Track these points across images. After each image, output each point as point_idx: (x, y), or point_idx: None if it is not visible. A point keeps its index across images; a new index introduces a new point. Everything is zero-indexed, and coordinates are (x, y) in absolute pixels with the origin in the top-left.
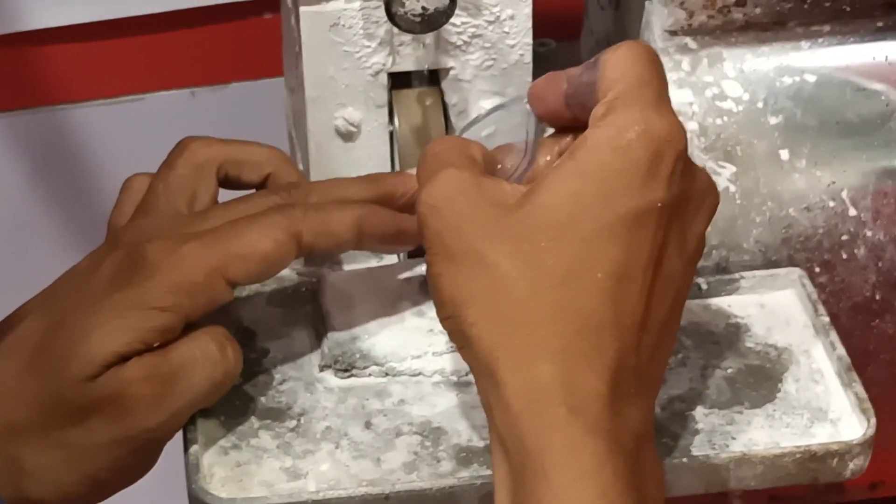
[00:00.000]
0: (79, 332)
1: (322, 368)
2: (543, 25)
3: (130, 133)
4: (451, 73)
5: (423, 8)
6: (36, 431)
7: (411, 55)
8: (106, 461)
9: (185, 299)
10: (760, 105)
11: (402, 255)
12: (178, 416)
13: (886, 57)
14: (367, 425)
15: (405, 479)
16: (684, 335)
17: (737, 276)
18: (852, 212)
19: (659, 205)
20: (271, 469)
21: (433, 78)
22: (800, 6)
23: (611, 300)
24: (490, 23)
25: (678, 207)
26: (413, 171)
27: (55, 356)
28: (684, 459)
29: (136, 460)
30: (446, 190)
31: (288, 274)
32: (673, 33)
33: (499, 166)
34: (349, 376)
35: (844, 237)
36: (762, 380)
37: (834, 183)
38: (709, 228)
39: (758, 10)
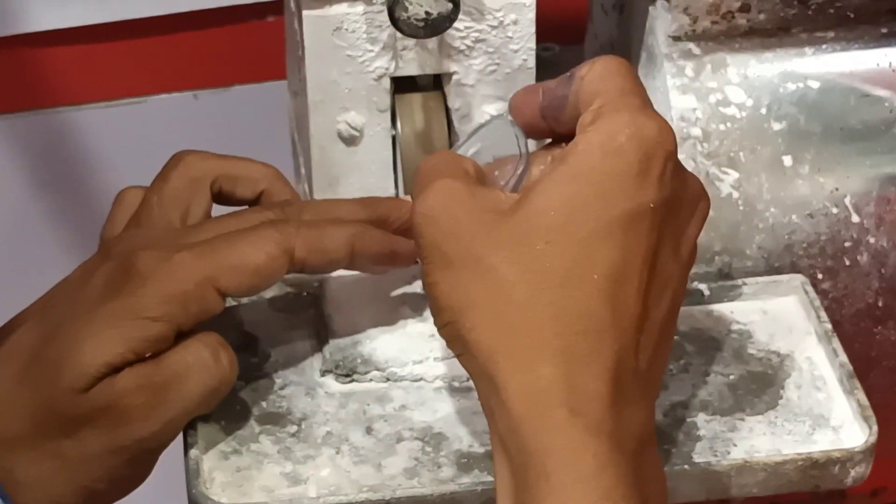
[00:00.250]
0: (71, 343)
1: (323, 373)
2: (547, 30)
3: (133, 136)
4: (455, 77)
5: (427, 13)
6: (29, 443)
7: (414, 60)
8: (100, 472)
9: (177, 309)
10: (764, 111)
11: None
12: (173, 425)
13: (891, 63)
14: (368, 430)
15: (406, 485)
16: (686, 341)
17: (739, 282)
18: (855, 218)
19: (651, 205)
20: (272, 474)
21: (436, 82)
22: (804, 12)
23: (609, 302)
24: (493, 27)
25: (671, 209)
26: (408, 197)
27: (48, 367)
28: (686, 466)
29: (131, 470)
30: (440, 199)
31: (290, 277)
32: (676, 38)
33: (496, 174)
34: (350, 381)
35: (847, 244)
36: (764, 386)
37: (837, 189)
38: (711, 234)
39: (762, 16)
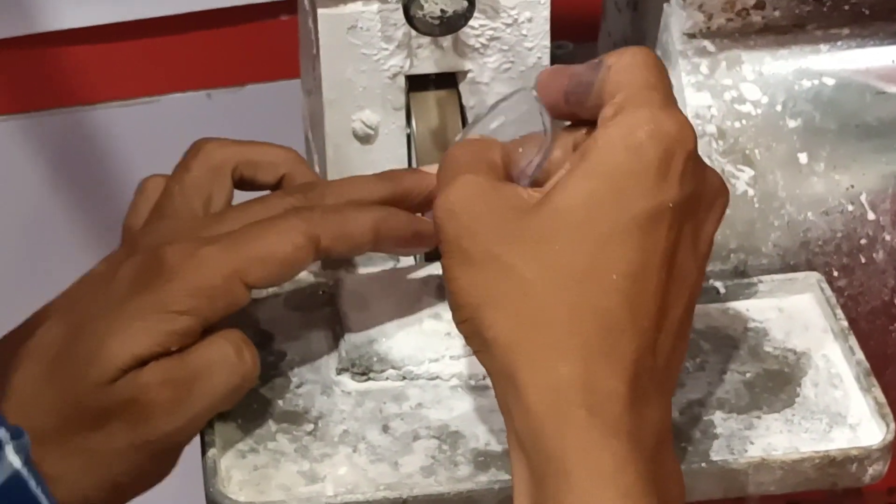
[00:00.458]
0: (98, 337)
1: (339, 371)
2: (561, 28)
3: (147, 134)
4: (469, 75)
5: (442, 11)
6: (56, 437)
7: (429, 58)
8: (125, 466)
9: (204, 303)
10: (779, 108)
11: (418, 256)
12: (197, 420)
13: None
14: (385, 429)
15: (423, 484)
16: (702, 339)
17: (755, 279)
18: (871, 216)
19: (671, 205)
20: (289, 473)
21: (451, 81)
22: (819, 9)
23: (627, 301)
24: (508, 25)
25: (690, 207)
26: (429, 167)
27: (75, 361)
28: (703, 464)
29: (155, 465)
30: (462, 195)
31: (305, 276)
32: (691, 36)
33: (520, 150)
34: (366, 380)
35: (863, 241)
36: (781, 384)
37: (853, 187)
38: (727, 232)
39: (777, 13)
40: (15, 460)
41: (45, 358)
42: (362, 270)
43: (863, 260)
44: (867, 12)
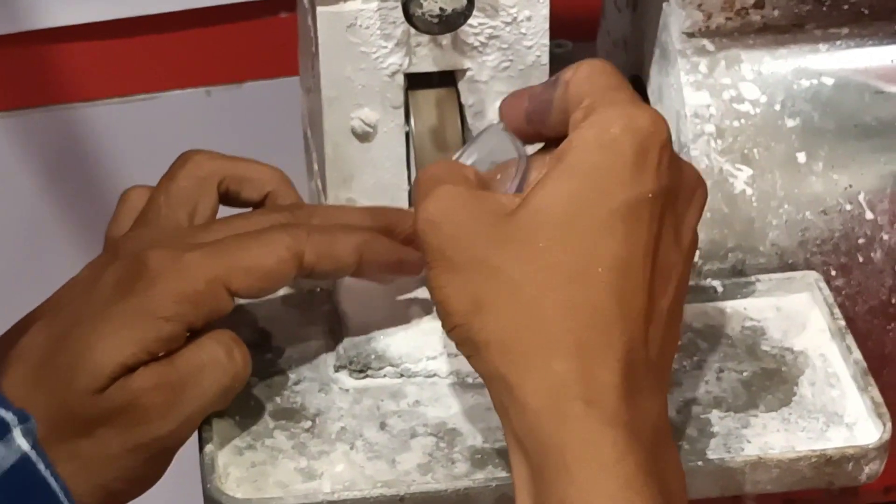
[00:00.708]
0: (84, 344)
1: (337, 369)
2: (560, 27)
3: (145, 131)
4: (468, 74)
5: (441, 9)
6: (46, 444)
7: (428, 56)
8: (118, 471)
9: (188, 308)
10: (778, 108)
11: None
12: (190, 423)
13: None
14: (382, 426)
15: (420, 481)
16: (700, 338)
17: (753, 279)
18: (869, 215)
19: (650, 195)
20: (286, 469)
21: (450, 79)
22: (818, 8)
23: (615, 294)
24: (507, 24)
25: (669, 198)
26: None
27: (62, 369)
28: (700, 462)
29: (148, 469)
30: (442, 204)
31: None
32: (690, 35)
33: (498, 178)
34: (364, 377)
35: (861, 240)
36: (778, 383)
37: (851, 186)
38: (725, 231)
39: (776, 13)
40: (23, 443)
41: (30, 364)
42: None
43: (861, 259)
44: (866, 12)
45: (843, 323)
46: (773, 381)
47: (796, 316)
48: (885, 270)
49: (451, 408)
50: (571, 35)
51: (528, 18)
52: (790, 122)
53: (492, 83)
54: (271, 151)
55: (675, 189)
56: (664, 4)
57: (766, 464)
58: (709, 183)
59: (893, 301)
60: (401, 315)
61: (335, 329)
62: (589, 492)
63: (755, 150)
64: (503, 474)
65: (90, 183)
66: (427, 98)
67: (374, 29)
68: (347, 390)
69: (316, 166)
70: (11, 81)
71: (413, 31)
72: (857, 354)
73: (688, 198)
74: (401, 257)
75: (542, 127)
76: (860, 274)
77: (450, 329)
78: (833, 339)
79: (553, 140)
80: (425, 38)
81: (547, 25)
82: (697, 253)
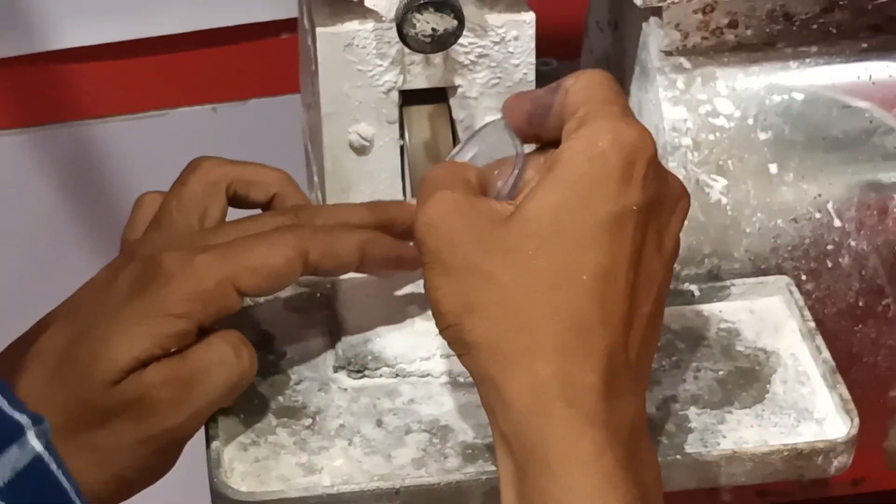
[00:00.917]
0: (101, 340)
1: (336, 369)
2: (545, 46)
3: (155, 146)
4: (459, 90)
5: (433, 29)
6: (64, 435)
7: (421, 74)
8: (131, 461)
9: (199, 306)
10: (751, 122)
11: None
12: (198, 417)
13: (870, 76)
14: (379, 423)
15: (414, 475)
16: (678, 339)
17: (728, 283)
18: (837, 223)
19: (634, 208)
20: (288, 464)
21: (441, 95)
22: (788, 28)
23: (598, 300)
24: (496, 43)
25: (653, 210)
26: (413, 201)
27: (79, 364)
28: (678, 456)
29: (159, 459)
30: (440, 209)
31: (303, 279)
32: (668, 53)
33: (496, 173)
34: (361, 377)
35: (830, 247)
36: (751, 381)
37: (820, 195)
38: (701, 237)
39: (749, 32)
40: (37, 444)
41: (50, 361)
42: (357, 276)
43: (829, 265)
44: (834, 31)
45: (812, 325)
46: (746, 379)
47: (769, 318)
48: (853, 275)
49: (443, 406)
50: (556, 54)
51: (516, 38)
52: (762, 135)
53: (481, 99)
54: (274, 164)
55: (660, 200)
56: (643, 24)
57: (741, 457)
58: None
59: (860, 304)
60: (396, 318)
61: (334, 331)
62: (569, 486)
63: (730, 162)
64: (493, 469)
65: (105, 192)
66: (420, 113)
67: (371, 48)
68: (346, 389)
69: (316, 178)
70: (30, 99)
71: (407, 50)
72: (826, 354)
73: (671, 208)
74: (400, 254)
75: (540, 129)
76: (829, 278)
77: (442, 328)
78: (803, 340)
79: (550, 142)
80: (418, 56)
81: (533, 45)
82: None
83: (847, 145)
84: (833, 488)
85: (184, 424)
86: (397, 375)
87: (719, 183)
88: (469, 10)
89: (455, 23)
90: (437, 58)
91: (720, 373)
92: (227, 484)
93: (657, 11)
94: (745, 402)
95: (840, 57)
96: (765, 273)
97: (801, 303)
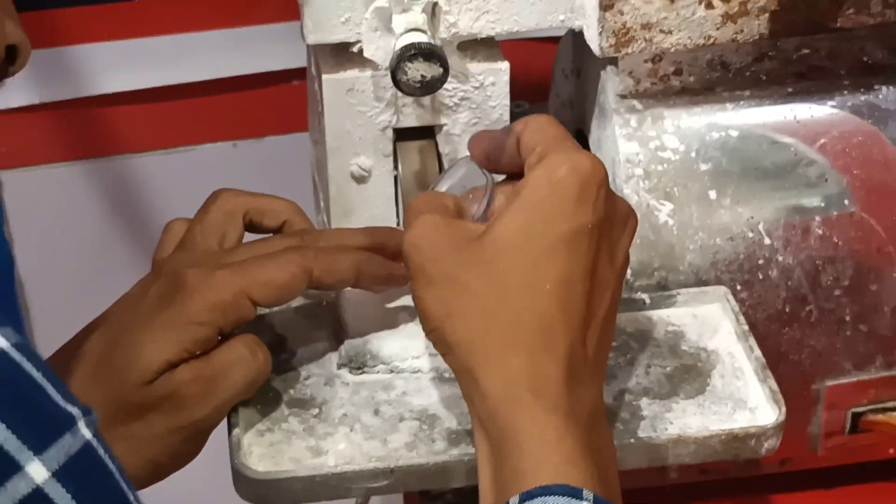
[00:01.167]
0: (135, 346)
1: (339, 367)
2: (518, 90)
3: (183, 176)
4: (444, 128)
5: (422, 76)
6: (104, 427)
7: (412, 114)
8: (164, 448)
9: (219, 315)
10: (693, 155)
11: None
12: (221, 409)
13: (795, 116)
14: (376, 412)
15: (407, 456)
16: (632, 340)
17: (674, 292)
18: (767, 241)
19: (589, 226)
20: (298, 448)
21: (429, 132)
22: (725, 75)
23: (559, 305)
24: (476, 88)
25: (605, 227)
26: (400, 227)
27: (116, 367)
28: (632, 440)
29: (188, 446)
30: (423, 231)
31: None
32: (623, 97)
33: (470, 198)
34: (361, 373)
35: (761, 261)
36: (694, 376)
37: (752, 218)
38: (651, 254)
39: (691, 78)
40: (86, 432)
41: (90, 364)
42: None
43: (760, 277)
44: (764, 78)
45: (746, 328)
46: (690, 374)
47: (709, 322)
48: (780, 286)
49: (431, 397)
50: (528, 97)
51: (493, 84)
52: (703, 166)
53: (463, 136)
54: (285, 192)
55: (611, 219)
56: (602, 72)
57: (685, 441)
58: (638, 215)
59: (787, 310)
60: (390, 323)
61: (338, 334)
62: (536, 464)
63: (675, 189)
64: (473, 451)
65: (138, 217)
66: (411, 148)
67: (369, 92)
68: (347, 384)
69: (322, 204)
70: (76, 136)
71: (399, 94)
72: (758, 353)
73: (621, 226)
74: (390, 272)
75: (496, 164)
76: (760, 288)
77: (428, 332)
78: (738, 341)
79: (507, 174)
80: (409, 99)
81: (507, 89)
82: (629, 271)
83: (775, 175)
84: (764, 467)
85: (209, 416)
86: (392, 372)
87: (666, 207)
88: (453, 60)
89: (441, 70)
90: (425, 100)
91: (667, 368)
92: (246, 465)
93: (613, 61)
94: (689, 394)
95: (769, 100)
96: (705, 284)
97: (737, 309)
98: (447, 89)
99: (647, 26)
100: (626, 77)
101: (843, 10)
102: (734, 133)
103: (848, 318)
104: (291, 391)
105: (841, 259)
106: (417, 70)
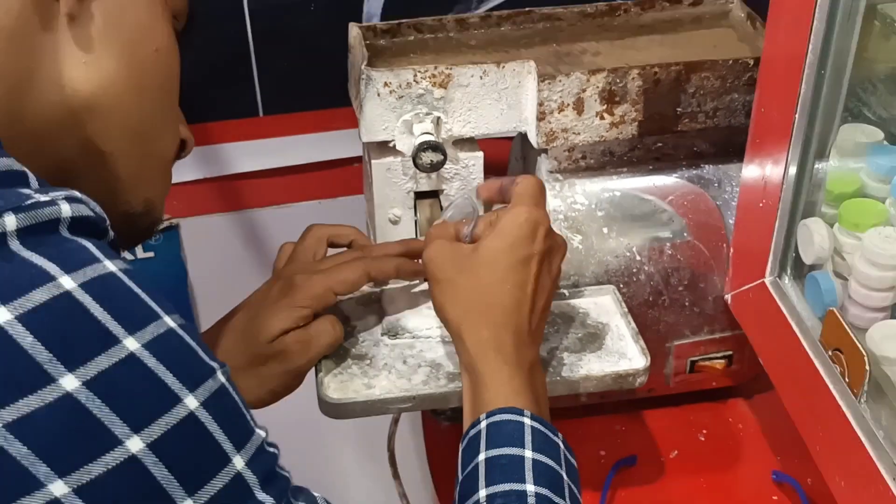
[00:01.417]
0: (264, 320)
1: (382, 334)
2: (488, 168)
3: (290, 222)
4: (444, 191)
5: (431, 161)
6: (244, 369)
7: (426, 183)
8: (278, 383)
9: (315, 302)
10: (594, 206)
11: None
12: (313, 360)
13: (654, 183)
14: (405, 362)
15: (423, 389)
16: (557, 318)
17: (583, 289)
18: (638, 258)
19: (538, 253)
20: (358, 384)
21: (436, 194)
22: (612, 159)
23: (515, 299)
24: (463, 168)
25: (547, 253)
26: (422, 239)
27: (252, 332)
28: (557, 378)
29: (292, 382)
30: (435, 250)
31: (365, 289)
32: (551, 172)
33: (462, 222)
34: (395, 338)
35: (634, 270)
36: (596, 339)
37: (629, 244)
38: (568, 266)
39: (592, 161)
40: (222, 378)
41: (238, 330)
42: (395, 285)
43: (634, 279)
44: (635, 160)
45: (626, 310)
46: (593, 338)
47: (604, 307)
48: (646, 285)
49: (438, 353)
50: (494, 173)
51: (473, 165)
52: (599, 213)
53: (456, 195)
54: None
55: (552, 248)
56: (538, 157)
57: (590, 378)
58: None
59: (650, 299)
60: (414, 306)
61: (381, 314)
62: (495, 396)
63: (583, 227)
64: (461, 385)
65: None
66: (425, 203)
67: (399, 170)
68: (388, 345)
69: (371, 236)
70: (222, 199)
71: (418, 171)
72: (633, 325)
73: (558, 251)
74: (415, 269)
75: (503, 198)
76: (634, 286)
77: (437, 313)
78: (622, 318)
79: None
80: (424, 174)
81: (482, 168)
82: None
83: (643, 218)
84: (638, 394)
85: (306, 364)
86: (414, 337)
87: (578, 238)
88: (449, 151)
89: (442, 157)
90: (434, 174)
91: (579, 335)
92: (326, 394)
93: (545, 151)
94: (592, 350)
95: (638, 174)
96: (601, 283)
97: (620, 299)
98: (446, 168)
99: (565, 130)
100: (552, 161)
101: (681, 120)
102: (618, 193)
103: (687, 304)
104: (353, 350)
105: (683, 268)
106: (428, 157)
